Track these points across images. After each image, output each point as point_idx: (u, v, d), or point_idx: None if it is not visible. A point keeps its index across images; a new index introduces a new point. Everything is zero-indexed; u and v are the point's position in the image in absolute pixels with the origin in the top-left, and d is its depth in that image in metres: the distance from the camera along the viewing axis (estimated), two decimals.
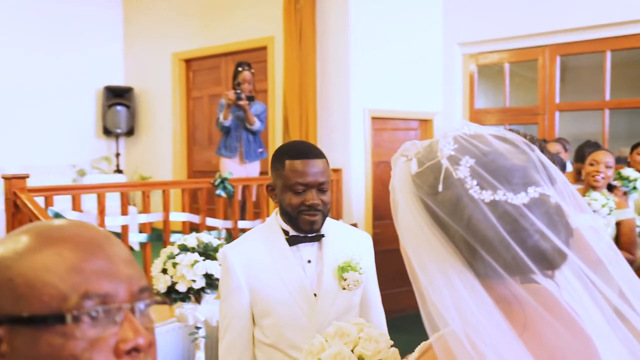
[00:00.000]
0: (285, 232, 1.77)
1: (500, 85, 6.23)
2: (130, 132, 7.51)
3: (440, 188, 0.83)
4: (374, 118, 5.73)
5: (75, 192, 3.52)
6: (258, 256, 1.77)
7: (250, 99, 4.93)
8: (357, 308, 1.81)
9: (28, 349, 0.64)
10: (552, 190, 0.85)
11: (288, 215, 1.75)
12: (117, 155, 7.47)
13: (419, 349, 0.99)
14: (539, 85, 5.90)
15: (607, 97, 5.59)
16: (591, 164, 3.47)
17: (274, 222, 1.80)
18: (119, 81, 7.66)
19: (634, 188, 4.30)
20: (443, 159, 0.84)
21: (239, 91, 4.83)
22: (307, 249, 1.77)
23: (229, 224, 4.42)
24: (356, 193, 5.47)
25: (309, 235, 1.76)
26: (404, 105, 5.92)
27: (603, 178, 3.42)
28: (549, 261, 0.82)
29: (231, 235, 4.49)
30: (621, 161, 6.40)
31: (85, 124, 7.47)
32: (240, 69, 5.01)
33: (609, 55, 5.53)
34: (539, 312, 0.84)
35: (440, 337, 0.81)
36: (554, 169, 0.88)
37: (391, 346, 1.30)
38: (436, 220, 0.83)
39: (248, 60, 5.37)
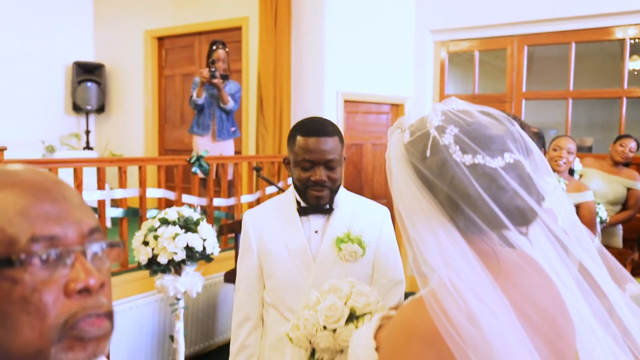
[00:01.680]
0: (298, 203, 1.87)
1: (470, 72, 6.40)
2: (100, 109, 7.42)
3: (428, 153, 0.94)
4: (347, 101, 5.84)
5: (52, 165, 3.52)
6: (270, 222, 1.88)
7: (225, 77, 4.96)
8: (360, 279, 1.81)
9: None
10: (527, 160, 0.97)
11: (298, 189, 1.84)
12: (87, 132, 7.39)
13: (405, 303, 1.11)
14: (507, 74, 6.09)
15: (571, 87, 5.82)
16: (554, 150, 3.65)
17: (291, 193, 1.90)
18: (88, 57, 7.55)
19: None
20: (431, 129, 0.96)
21: (213, 69, 4.85)
22: (316, 220, 1.86)
23: (204, 201, 4.48)
24: None
25: (321, 207, 1.84)
26: (377, 89, 6.04)
27: (565, 163, 3.61)
28: (523, 216, 0.93)
29: (205, 213, 4.56)
30: (583, 150, 6.68)
31: (54, 100, 7.34)
32: (214, 47, 5.03)
33: (573, 46, 5.75)
34: (513, 261, 0.97)
35: (430, 290, 0.92)
36: (532, 143, 1.00)
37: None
38: (424, 181, 0.95)
39: (222, 40, 5.38)
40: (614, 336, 1.01)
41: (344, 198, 1.90)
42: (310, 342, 1.38)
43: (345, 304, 1.34)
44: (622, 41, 5.67)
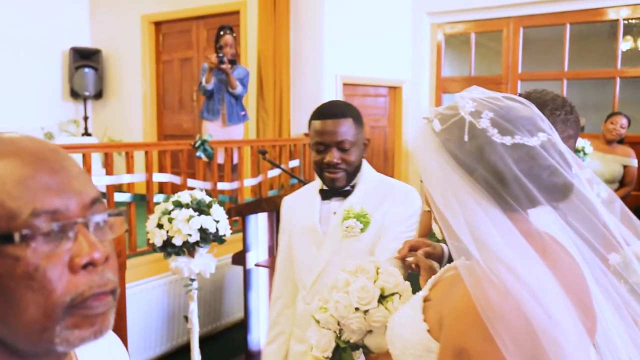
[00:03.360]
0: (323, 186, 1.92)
1: (466, 54, 6.46)
2: (98, 95, 7.43)
3: (466, 138, 0.97)
4: (345, 84, 5.90)
5: None
6: (296, 205, 1.97)
7: (233, 62, 5.03)
8: (364, 255, 1.80)
9: None
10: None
11: (316, 172, 1.88)
12: (86, 118, 7.40)
13: (431, 282, 1.18)
14: (503, 56, 6.17)
15: (566, 68, 5.91)
16: None
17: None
18: (85, 42, 7.53)
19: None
20: (465, 115, 1.00)
21: (221, 55, 4.91)
22: (336, 202, 1.89)
23: (208, 185, 4.55)
24: None
25: (338, 190, 1.86)
26: (375, 72, 6.10)
27: None
28: (563, 192, 0.98)
29: (210, 196, 4.63)
30: None
31: (51, 86, 7.32)
32: (222, 32, 5.08)
33: (568, 28, 5.83)
34: (552, 241, 1.01)
35: (467, 265, 0.97)
36: (550, 123, 1.06)
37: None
38: (464, 166, 0.97)
39: (230, 25, 5.41)
40: (626, 320, 1.04)
41: (367, 178, 1.89)
42: (338, 324, 1.38)
43: (374, 283, 1.37)
44: (615, 22, 5.75)
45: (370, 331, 1.37)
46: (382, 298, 1.37)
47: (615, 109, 5.67)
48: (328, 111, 1.84)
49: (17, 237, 0.61)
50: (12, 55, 6.83)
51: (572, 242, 1.03)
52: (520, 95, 1.57)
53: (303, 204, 1.95)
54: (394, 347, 1.12)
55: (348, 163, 1.82)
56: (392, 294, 1.37)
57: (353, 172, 1.86)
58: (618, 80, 5.76)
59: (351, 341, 1.38)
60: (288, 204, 2.01)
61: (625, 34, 5.85)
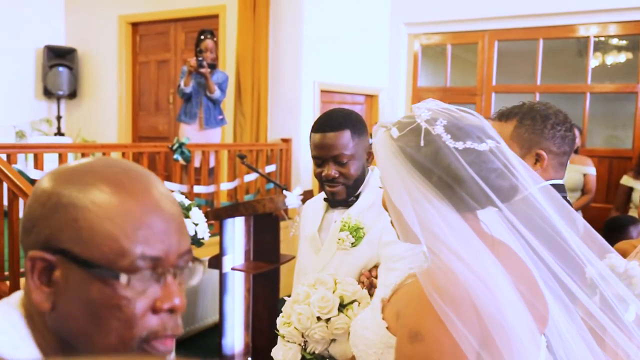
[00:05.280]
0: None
1: (442, 65, 6.58)
2: (72, 95, 7.32)
3: (422, 143, 1.06)
4: (323, 91, 5.95)
5: (37, 150, 3.53)
6: (307, 212, 1.98)
7: (212, 66, 5.04)
8: (355, 267, 1.78)
9: (80, 287, 0.69)
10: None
11: (319, 184, 1.86)
12: (59, 117, 7.29)
13: (392, 288, 1.22)
14: (478, 68, 6.29)
15: (539, 81, 6.06)
16: None
17: None
18: (59, 41, 7.42)
19: None
20: (422, 122, 1.08)
21: (200, 58, 4.92)
22: (339, 211, 1.86)
23: (184, 188, 4.54)
24: (305, 162, 5.70)
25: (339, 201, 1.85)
26: (352, 80, 6.16)
27: None
28: (507, 194, 1.08)
29: (187, 199, 4.61)
30: None
31: (24, 85, 7.18)
32: (202, 37, 5.09)
33: (541, 42, 5.99)
34: (499, 241, 1.10)
35: (425, 270, 1.04)
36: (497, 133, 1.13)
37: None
38: (420, 169, 1.06)
39: (199, 28, 5.42)
40: (574, 319, 1.11)
41: (372, 189, 1.84)
42: (302, 336, 1.42)
43: (333, 293, 1.42)
44: (586, 39, 5.93)
45: (334, 340, 1.42)
46: (342, 307, 1.43)
47: (585, 123, 5.84)
48: (325, 123, 1.78)
49: (122, 278, 0.69)
50: None
51: (518, 244, 1.12)
52: (523, 104, 1.68)
53: (312, 210, 1.95)
54: (357, 348, 1.17)
55: (346, 177, 1.78)
56: (352, 302, 1.43)
57: (354, 184, 1.82)
58: (588, 95, 5.93)
59: (316, 352, 1.42)
60: (304, 209, 2.01)
61: (595, 50, 6.03)
